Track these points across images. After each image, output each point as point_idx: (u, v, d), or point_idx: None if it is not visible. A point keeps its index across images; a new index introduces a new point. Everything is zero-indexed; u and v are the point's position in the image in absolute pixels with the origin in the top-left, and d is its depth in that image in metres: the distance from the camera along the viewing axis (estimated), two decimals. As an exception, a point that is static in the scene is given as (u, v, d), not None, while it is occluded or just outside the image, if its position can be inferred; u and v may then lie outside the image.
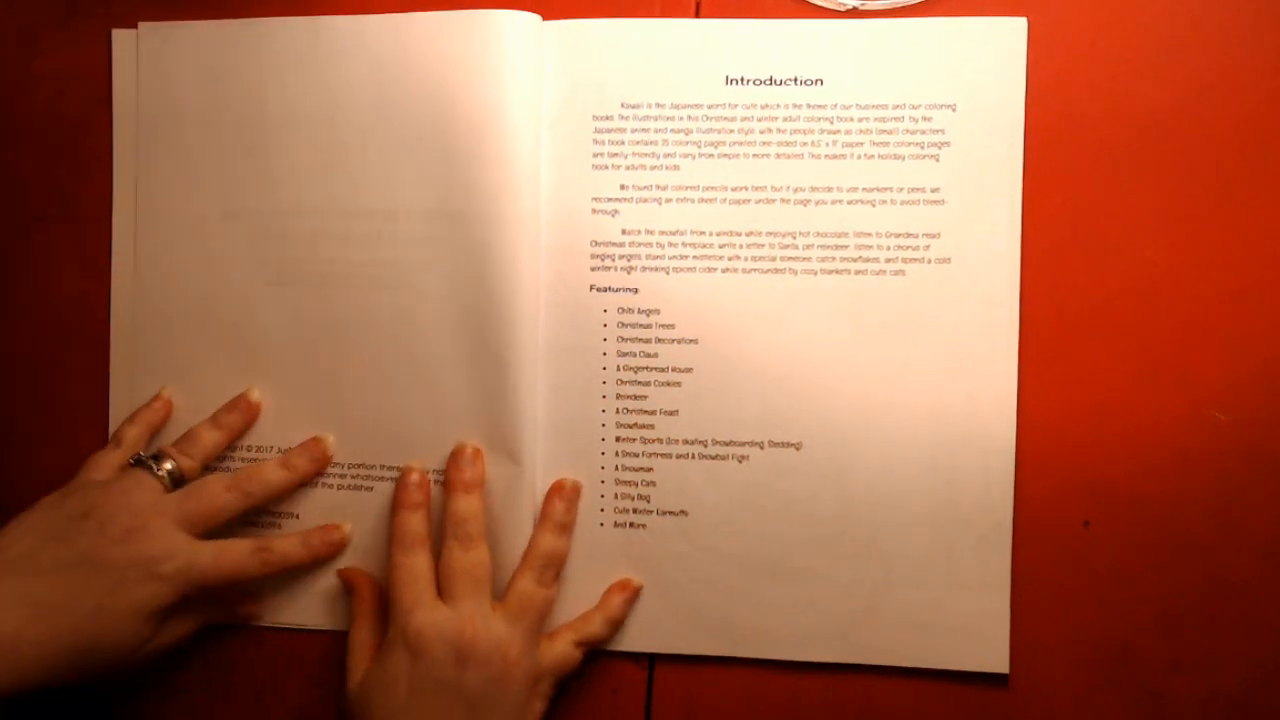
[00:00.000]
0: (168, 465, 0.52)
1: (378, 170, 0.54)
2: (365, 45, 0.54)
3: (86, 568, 0.47)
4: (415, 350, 0.54)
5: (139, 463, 0.52)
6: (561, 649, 0.51)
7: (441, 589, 0.50)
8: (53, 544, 0.47)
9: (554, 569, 0.51)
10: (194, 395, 0.56)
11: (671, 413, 0.53)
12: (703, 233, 0.53)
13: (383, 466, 0.54)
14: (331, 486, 0.55)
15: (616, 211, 0.53)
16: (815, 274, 0.52)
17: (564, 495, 0.53)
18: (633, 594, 0.53)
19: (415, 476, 0.52)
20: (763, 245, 0.53)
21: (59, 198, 0.57)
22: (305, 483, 0.54)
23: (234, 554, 0.50)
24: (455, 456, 0.52)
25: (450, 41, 0.52)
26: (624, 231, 0.53)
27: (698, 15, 0.53)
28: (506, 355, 0.53)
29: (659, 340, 0.53)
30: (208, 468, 0.54)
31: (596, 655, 0.53)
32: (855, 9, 0.52)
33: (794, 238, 0.52)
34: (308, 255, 0.55)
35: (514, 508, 0.53)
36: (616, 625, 0.53)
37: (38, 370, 0.57)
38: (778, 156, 0.53)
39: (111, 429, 0.56)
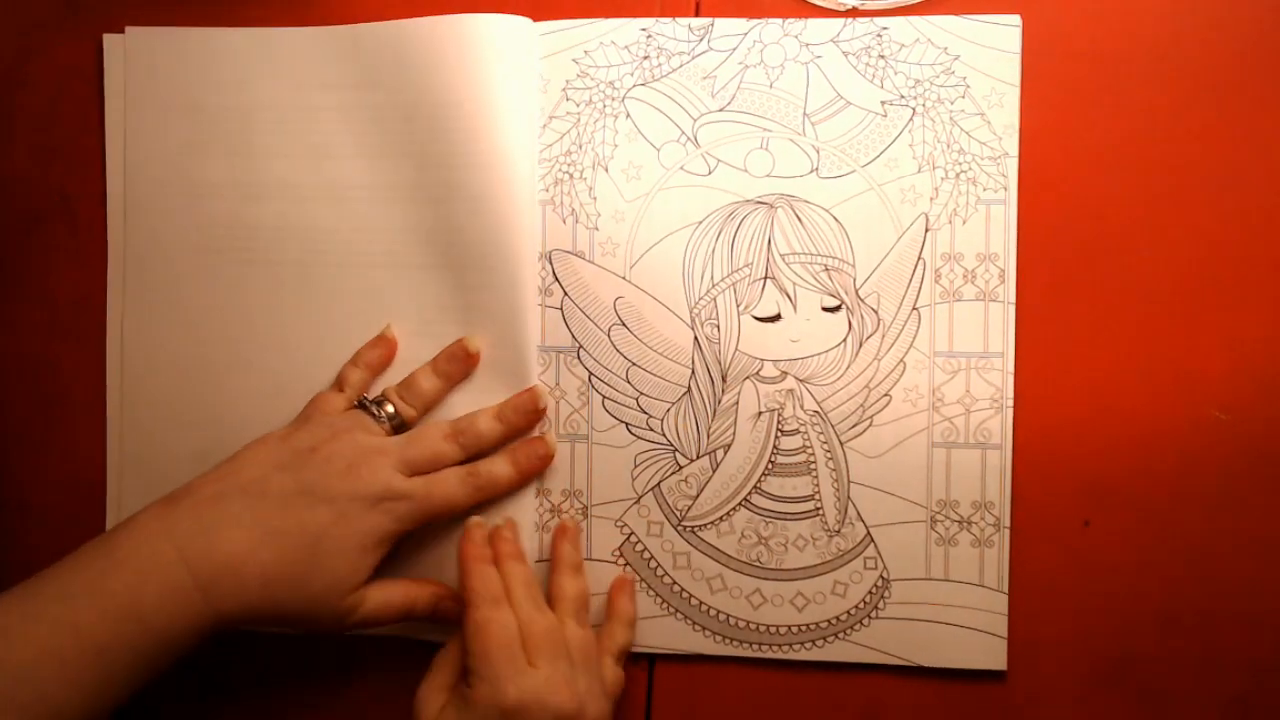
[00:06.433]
0: (389, 409, 0.52)
1: (366, 181, 0.54)
2: (353, 54, 0.54)
3: (311, 497, 0.48)
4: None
5: (363, 406, 0.52)
6: (612, 675, 0.51)
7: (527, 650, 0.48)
8: (280, 473, 0.49)
9: (585, 608, 0.52)
10: (191, 388, 0.56)
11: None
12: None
13: None
14: None
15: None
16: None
17: (569, 537, 0.53)
18: (632, 587, 0.53)
19: (479, 532, 0.51)
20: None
21: (58, 198, 0.57)
22: (516, 437, 0.54)
23: (444, 484, 0.51)
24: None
25: (441, 48, 0.52)
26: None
27: (697, 15, 0.53)
28: (511, 361, 0.54)
29: (658, 340, 0.54)
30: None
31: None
32: (855, 9, 0.52)
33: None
34: (293, 277, 0.55)
35: (517, 511, 0.54)
36: (634, 623, 0.53)
37: (37, 370, 0.57)
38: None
39: (110, 429, 0.56)
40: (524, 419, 0.53)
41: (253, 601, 0.47)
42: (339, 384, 0.54)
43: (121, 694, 0.45)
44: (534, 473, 0.53)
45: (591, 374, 0.54)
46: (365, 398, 0.53)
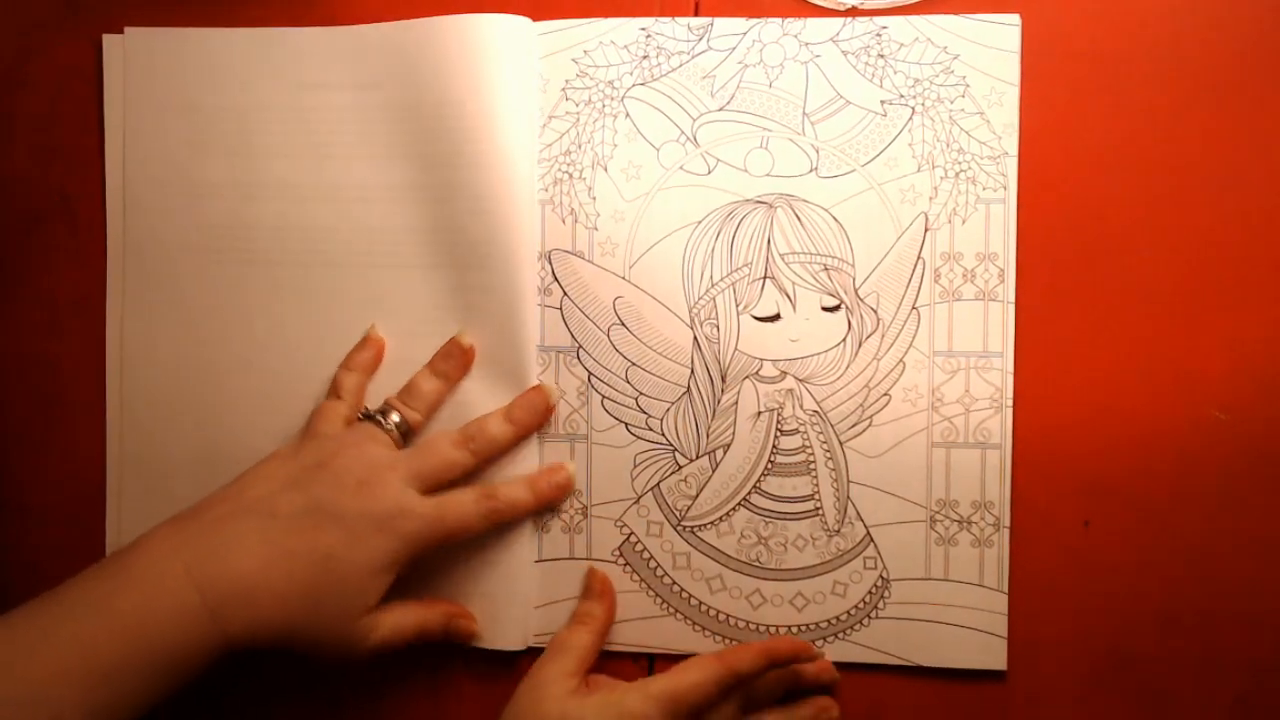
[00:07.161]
0: (395, 418, 0.52)
1: (366, 181, 0.54)
2: (353, 54, 0.54)
3: (320, 516, 0.47)
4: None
5: (368, 417, 0.52)
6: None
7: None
8: (289, 491, 0.48)
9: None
10: (195, 383, 0.56)
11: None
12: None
13: None
14: None
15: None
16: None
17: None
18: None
19: (802, 644, 0.52)
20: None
21: (58, 198, 0.57)
22: (527, 437, 0.53)
23: (458, 506, 0.50)
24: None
25: (441, 48, 0.52)
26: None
27: (697, 14, 0.53)
28: (511, 361, 0.54)
29: (658, 340, 0.53)
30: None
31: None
32: (854, 8, 0.52)
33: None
34: (293, 278, 0.55)
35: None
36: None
37: (37, 370, 0.57)
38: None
39: (110, 429, 0.56)
40: (534, 417, 0.53)
41: (263, 623, 0.46)
42: (335, 391, 0.53)
43: (131, 715, 0.44)
44: (552, 501, 0.53)
45: (591, 374, 0.54)
46: (369, 410, 0.52)
